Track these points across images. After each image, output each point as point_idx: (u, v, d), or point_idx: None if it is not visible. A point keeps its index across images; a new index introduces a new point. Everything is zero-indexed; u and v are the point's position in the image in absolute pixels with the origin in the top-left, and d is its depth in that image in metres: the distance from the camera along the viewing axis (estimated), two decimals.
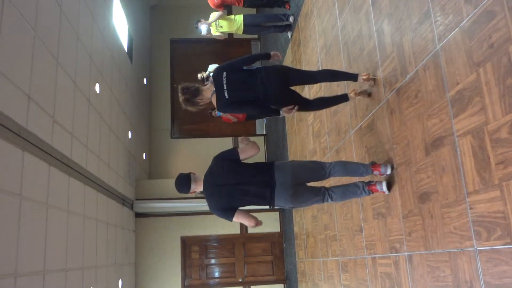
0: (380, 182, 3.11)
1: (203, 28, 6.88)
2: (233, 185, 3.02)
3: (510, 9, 1.85)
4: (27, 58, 3.73)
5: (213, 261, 8.70)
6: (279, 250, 8.70)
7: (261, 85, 3.30)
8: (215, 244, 8.70)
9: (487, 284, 2.06)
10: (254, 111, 3.45)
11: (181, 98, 3.43)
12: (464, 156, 2.20)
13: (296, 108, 3.36)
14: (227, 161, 3.10)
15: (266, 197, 3.01)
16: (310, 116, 5.62)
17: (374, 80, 3.34)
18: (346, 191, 3.19)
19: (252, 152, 3.13)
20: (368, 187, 3.15)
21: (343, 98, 3.72)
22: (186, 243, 8.60)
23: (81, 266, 4.95)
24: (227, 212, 3.07)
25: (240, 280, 8.54)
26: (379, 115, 3.30)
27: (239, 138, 3.31)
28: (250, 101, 3.33)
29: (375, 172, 3.12)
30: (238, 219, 3.08)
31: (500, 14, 1.90)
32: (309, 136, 5.70)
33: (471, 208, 2.17)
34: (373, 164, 3.15)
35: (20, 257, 3.47)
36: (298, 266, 7.13)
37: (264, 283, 8.59)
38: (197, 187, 3.16)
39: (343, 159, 4.24)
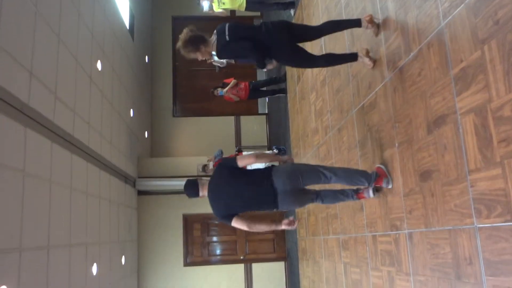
0: (367, 190, 3.34)
1: (205, 4, 6.80)
2: (233, 192, 3.16)
3: None
4: (28, 35, 3.70)
5: (214, 238, 8.80)
6: None
7: (266, 32, 3.40)
8: (216, 222, 8.75)
9: (486, 261, 2.08)
10: (251, 52, 3.40)
11: (189, 33, 3.39)
12: (466, 134, 2.20)
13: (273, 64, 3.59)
14: (226, 169, 3.23)
15: (269, 203, 3.14)
16: (312, 94, 5.60)
17: (378, 25, 3.33)
18: (336, 197, 3.50)
19: (250, 160, 3.24)
20: (357, 195, 3.44)
21: (352, 57, 3.61)
22: (188, 221, 8.68)
23: (84, 242, 5.01)
24: (226, 218, 3.23)
25: (241, 257, 8.65)
26: (382, 93, 3.29)
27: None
28: (251, 38, 3.40)
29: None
30: (237, 224, 3.21)
31: None
32: (311, 115, 5.69)
33: (472, 186, 2.18)
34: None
35: (24, 232, 3.51)
36: (299, 244, 7.20)
37: (265, 261, 8.69)
38: (205, 192, 3.28)
39: (344, 138, 4.24)
